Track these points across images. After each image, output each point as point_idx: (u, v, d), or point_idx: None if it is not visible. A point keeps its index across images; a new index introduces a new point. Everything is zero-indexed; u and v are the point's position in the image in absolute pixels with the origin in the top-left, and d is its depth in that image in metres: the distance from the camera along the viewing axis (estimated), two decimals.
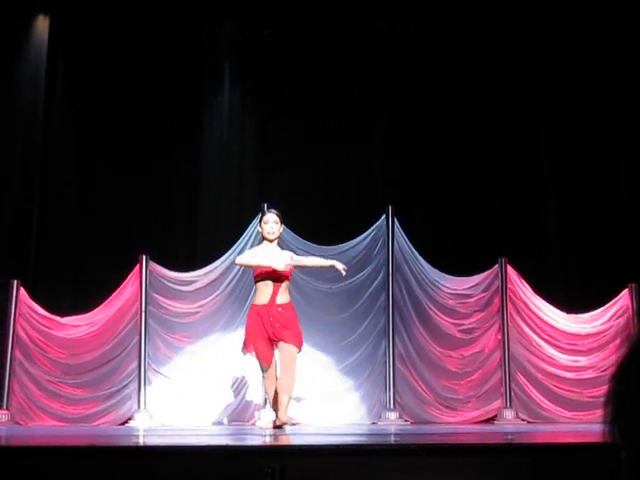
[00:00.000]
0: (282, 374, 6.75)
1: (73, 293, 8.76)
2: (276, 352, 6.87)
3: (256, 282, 6.95)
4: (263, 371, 6.90)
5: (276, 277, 6.84)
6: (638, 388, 0.69)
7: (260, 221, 7.11)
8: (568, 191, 9.28)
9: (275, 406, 6.85)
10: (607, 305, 8.72)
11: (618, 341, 8.37)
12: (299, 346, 6.85)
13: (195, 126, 9.30)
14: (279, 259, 6.89)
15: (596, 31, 9.21)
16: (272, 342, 6.82)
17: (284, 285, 6.90)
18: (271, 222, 7.00)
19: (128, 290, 8.50)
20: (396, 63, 9.33)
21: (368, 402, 8.54)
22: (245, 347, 6.92)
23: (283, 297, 6.89)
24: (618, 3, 9.11)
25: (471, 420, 8.47)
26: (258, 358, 6.84)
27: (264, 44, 9.33)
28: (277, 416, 6.76)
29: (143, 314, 8.41)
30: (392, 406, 8.43)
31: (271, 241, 7.01)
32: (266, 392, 7.20)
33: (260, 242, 7.24)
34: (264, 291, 6.86)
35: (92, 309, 8.47)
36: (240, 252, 8.63)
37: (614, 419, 0.72)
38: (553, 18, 9.23)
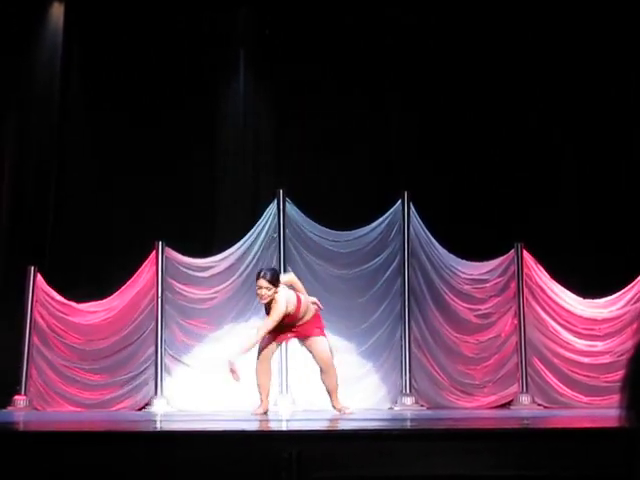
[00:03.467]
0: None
1: (90, 279, 8.79)
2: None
3: None
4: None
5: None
6: None
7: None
8: (585, 177, 9.23)
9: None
10: (623, 290, 8.69)
11: (634, 326, 8.34)
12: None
13: (211, 111, 9.29)
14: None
15: (605, 17, 9.14)
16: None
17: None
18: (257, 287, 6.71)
19: (144, 276, 8.53)
20: (412, 48, 9.28)
21: (384, 387, 8.55)
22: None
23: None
24: None
25: (487, 405, 8.47)
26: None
27: (279, 30, 9.30)
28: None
29: (159, 300, 8.44)
30: (408, 391, 8.44)
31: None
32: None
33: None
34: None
35: (109, 295, 8.51)
36: (256, 238, 8.65)
37: (631, 404, 0.72)
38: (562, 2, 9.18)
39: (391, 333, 8.62)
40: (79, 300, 8.51)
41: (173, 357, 8.45)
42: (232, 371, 6.63)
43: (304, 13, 9.26)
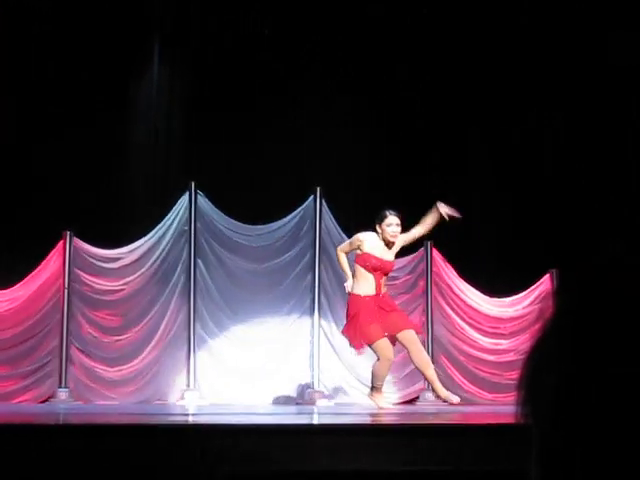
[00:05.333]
0: (417, 355, 7.02)
1: None
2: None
3: (356, 268, 7.18)
4: (387, 359, 6.97)
5: (380, 270, 7.12)
6: (548, 372, 0.71)
7: (381, 222, 7.20)
8: (494, 176, 9.38)
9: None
10: (529, 289, 8.88)
11: (537, 326, 8.52)
12: (416, 329, 7.29)
13: (122, 101, 9.15)
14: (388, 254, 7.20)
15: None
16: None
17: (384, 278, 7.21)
18: (394, 225, 7.20)
19: (51, 266, 8.36)
20: (330, 45, 9.29)
21: (293, 381, 8.57)
22: (369, 339, 6.97)
23: (384, 287, 7.20)
24: None
25: (393, 401, 8.55)
26: (382, 348, 6.94)
27: (195, 21, 9.22)
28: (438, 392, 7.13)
29: (66, 291, 8.29)
30: (317, 386, 8.47)
31: (391, 243, 7.21)
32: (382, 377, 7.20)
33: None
34: (368, 282, 7.09)
35: (13, 285, 8.32)
36: (166, 231, 8.57)
37: (525, 402, 0.73)
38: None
39: (300, 328, 8.64)
40: None
41: (78, 349, 8.32)
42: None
43: (221, 7, 9.20)
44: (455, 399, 7.03)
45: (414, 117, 9.33)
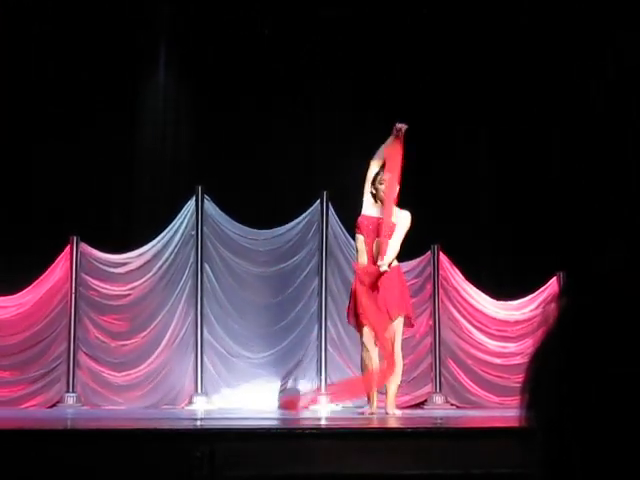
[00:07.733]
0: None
1: (1, 274, 8.59)
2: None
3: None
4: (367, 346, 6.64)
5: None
6: (552, 375, 0.71)
7: (374, 181, 6.99)
8: (501, 179, 9.37)
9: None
10: (536, 292, 8.86)
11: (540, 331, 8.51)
12: (407, 313, 6.78)
13: (130, 105, 9.16)
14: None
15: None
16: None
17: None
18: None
19: (58, 271, 8.38)
20: (335, 48, 9.29)
21: (300, 386, 8.56)
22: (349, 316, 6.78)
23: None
24: None
25: (401, 405, 8.51)
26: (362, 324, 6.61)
27: (203, 26, 9.22)
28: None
29: (73, 296, 8.31)
30: (324, 390, 8.46)
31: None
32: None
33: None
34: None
35: (20, 290, 8.33)
36: (173, 235, 8.58)
37: (530, 406, 0.73)
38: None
39: (307, 332, 8.64)
40: None
41: (86, 354, 8.33)
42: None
43: (228, 11, 9.20)
44: (398, 413, 6.75)
45: (418, 118, 9.30)
